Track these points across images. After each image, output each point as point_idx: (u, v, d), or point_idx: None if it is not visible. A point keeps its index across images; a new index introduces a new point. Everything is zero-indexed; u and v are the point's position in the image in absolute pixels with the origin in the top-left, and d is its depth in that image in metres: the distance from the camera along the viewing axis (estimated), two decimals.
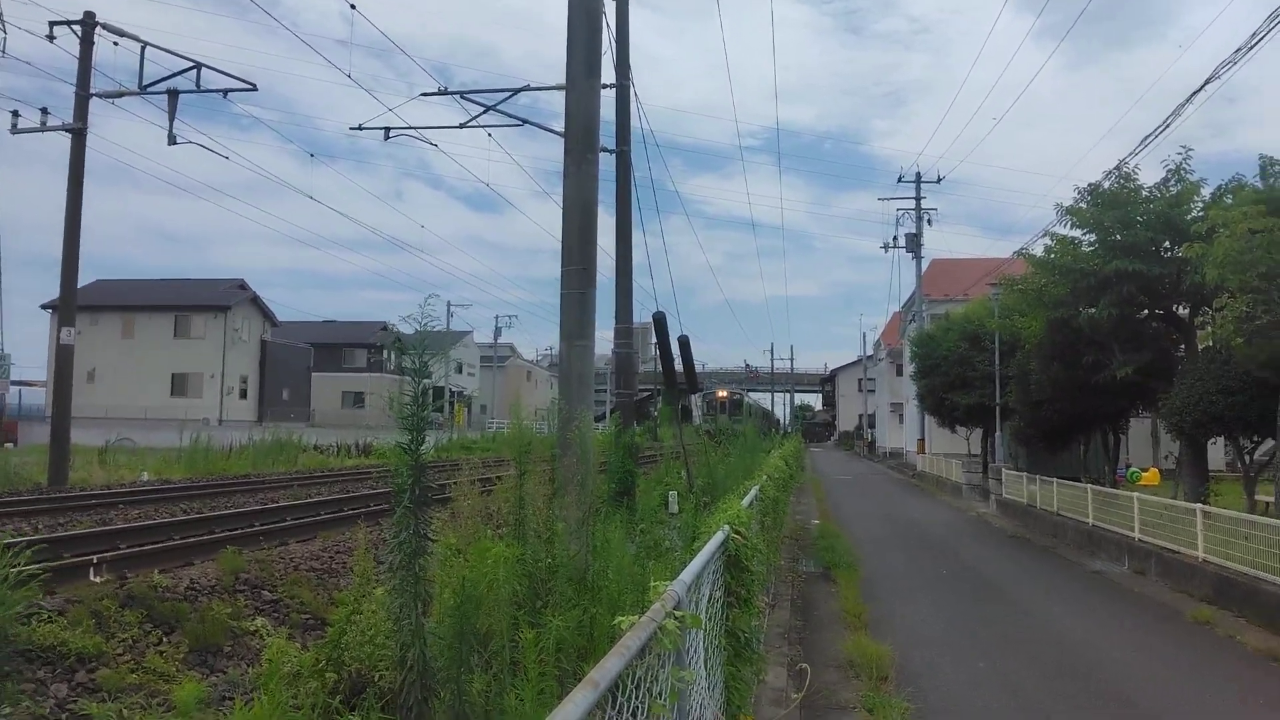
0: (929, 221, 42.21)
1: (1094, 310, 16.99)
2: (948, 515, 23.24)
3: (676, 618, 2.61)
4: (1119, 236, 16.80)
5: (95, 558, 9.03)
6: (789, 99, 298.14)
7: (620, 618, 2.47)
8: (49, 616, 6.64)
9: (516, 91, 18.71)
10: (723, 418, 30.13)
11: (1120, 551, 14.39)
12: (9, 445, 33.28)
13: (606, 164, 14.90)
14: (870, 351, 74.24)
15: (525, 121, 19.02)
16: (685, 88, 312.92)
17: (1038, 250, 19.77)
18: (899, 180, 42.83)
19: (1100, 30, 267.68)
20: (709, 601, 4.13)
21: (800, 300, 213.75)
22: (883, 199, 56.42)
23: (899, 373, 54.32)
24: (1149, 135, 17.32)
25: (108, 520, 13.36)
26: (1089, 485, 17.02)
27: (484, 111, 18.87)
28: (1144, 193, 17.15)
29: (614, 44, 15.84)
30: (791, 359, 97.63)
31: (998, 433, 27.64)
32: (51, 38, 20.07)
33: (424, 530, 4.49)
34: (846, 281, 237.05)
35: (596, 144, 9.32)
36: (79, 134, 20.13)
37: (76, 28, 20.14)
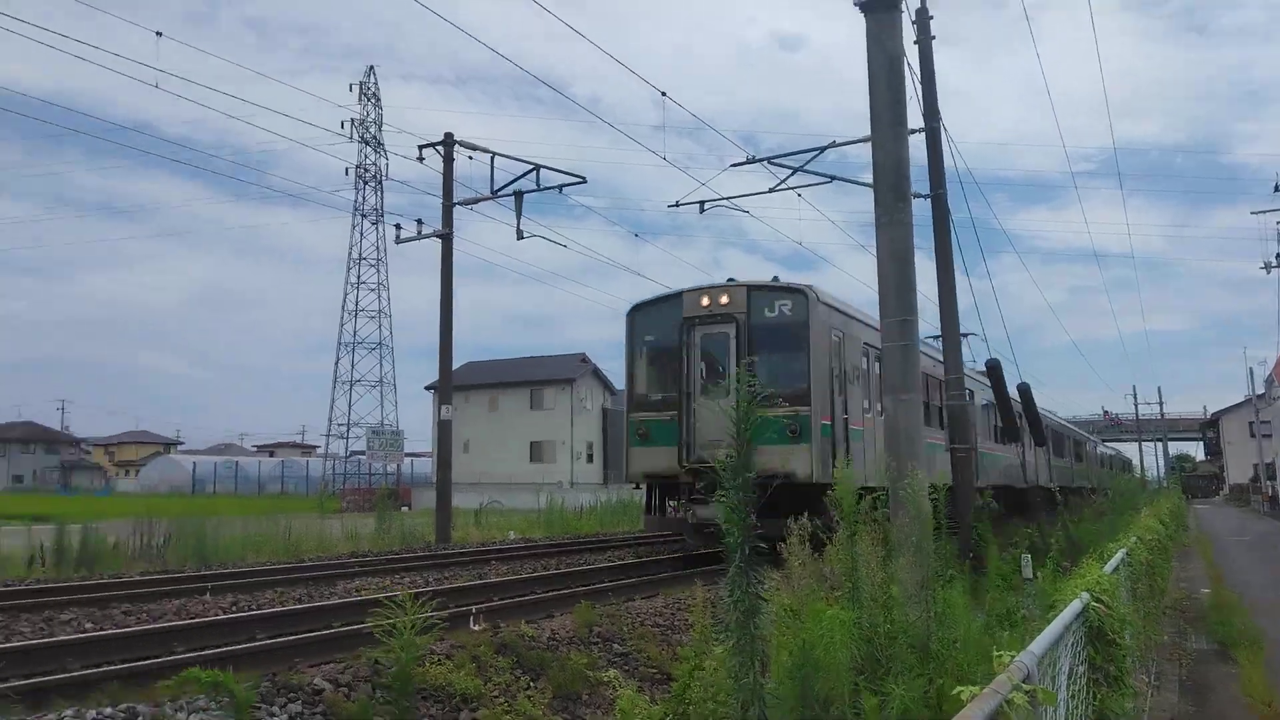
0: None
1: None
2: None
3: (1025, 691, 2.42)
4: None
5: (474, 608, 10.12)
6: (1124, 114, 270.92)
7: (960, 688, 2.34)
8: (438, 660, 7.56)
9: (822, 150, 18.79)
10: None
11: None
12: (405, 509, 38.63)
13: (921, 210, 14.41)
14: (1261, 390, 63.82)
15: (833, 178, 18.98)
16: (999, 119, 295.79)
17: None
18: (1276, 189, 37.01)
19: None
20: (1069, 677, 3.76)
21: (1164, 335, 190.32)
22: (1256, 212, 48.67)
23: None
24: None
25: (483, 575, 14.95)
26: None
27: (791, 174, 19.18)
28: None
29: (919, 86, 15.42)
30: (1160, 402, 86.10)
31: None
32: (420, 159, 23.62)
33: (756, 590, 4.54)
34: (1220, 310, 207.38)
35: (908, 192, 9.08)
36: (447, 239, 23.29)
37: (439, 148, 23.49)
